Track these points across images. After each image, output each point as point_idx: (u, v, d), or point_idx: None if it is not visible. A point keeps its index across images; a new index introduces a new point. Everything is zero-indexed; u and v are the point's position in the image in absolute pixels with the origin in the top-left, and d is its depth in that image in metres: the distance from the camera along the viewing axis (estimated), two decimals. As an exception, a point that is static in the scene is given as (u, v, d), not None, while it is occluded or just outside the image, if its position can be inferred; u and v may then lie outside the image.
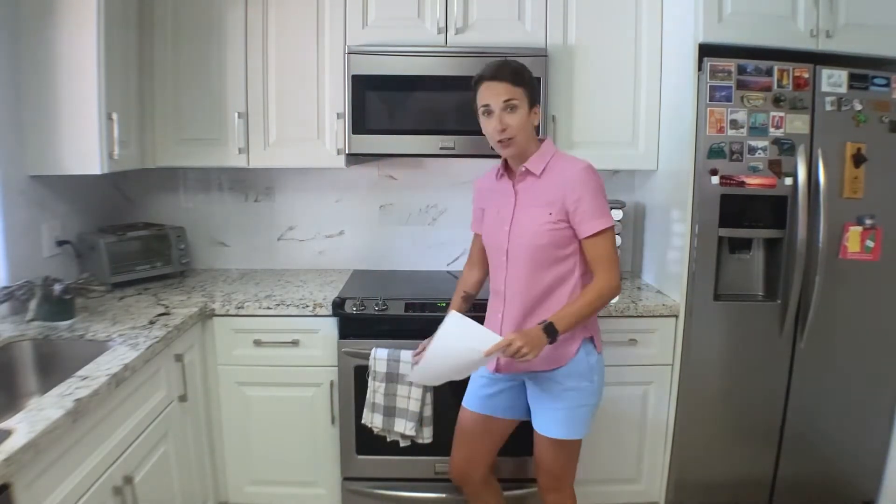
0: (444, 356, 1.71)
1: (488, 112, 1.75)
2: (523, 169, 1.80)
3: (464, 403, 1.99)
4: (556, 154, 1.82)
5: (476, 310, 2.25)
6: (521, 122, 1.74)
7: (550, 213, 1.75)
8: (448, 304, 2.29)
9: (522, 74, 1.76)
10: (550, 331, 1.67)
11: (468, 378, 1.97)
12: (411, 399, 2.18)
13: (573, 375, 1.80)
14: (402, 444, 2.24)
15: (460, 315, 1.72)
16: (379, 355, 2.19)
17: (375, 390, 2.20)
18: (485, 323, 1.88)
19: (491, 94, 1.73)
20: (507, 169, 1.88)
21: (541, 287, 1.78)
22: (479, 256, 2.02)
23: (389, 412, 2.20)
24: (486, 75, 1.75)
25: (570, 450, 1.87)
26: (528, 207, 1.80)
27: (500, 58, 1.81)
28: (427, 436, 2.21)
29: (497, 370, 1.87)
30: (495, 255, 1.87)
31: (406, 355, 2.16)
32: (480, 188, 2.00)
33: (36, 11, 2.07)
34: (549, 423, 1.83)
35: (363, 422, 2.24)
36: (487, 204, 1.93)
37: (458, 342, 1.68)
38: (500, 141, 1.75)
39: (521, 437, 1.97)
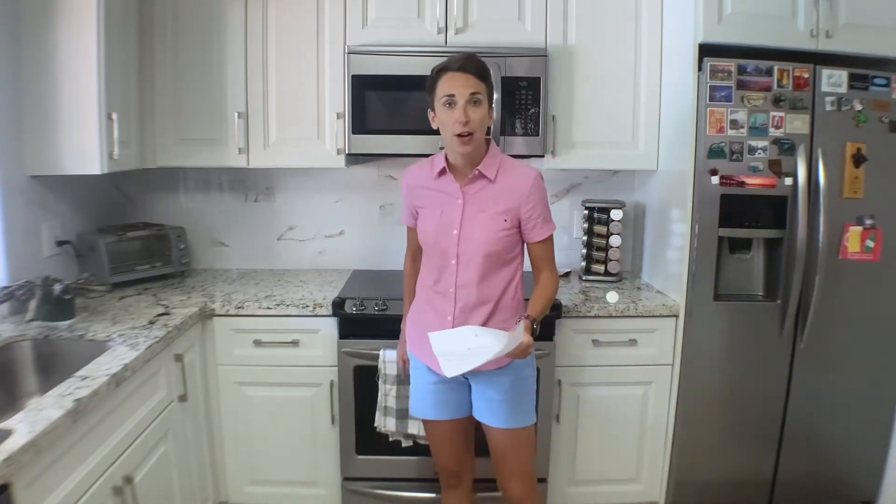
0: (467, 340, 1.69)
1: (451, 103, 1.69)
2: (476, 172, 1.77)
3: (419, 415, 1.96)
4: (503, 158, 1.81)
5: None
6: (482, 118, 1.71)
7: (506, 220, 1.76)
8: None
9: (487, 70, 1.74)
10: (536, 323, 1.72)
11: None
12: None
13: (517, 366, 1.80)
14: (405, 443, 2.24)
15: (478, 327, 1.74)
16: (388, 358, 2.19)
17: (387, 393, 2.19)
18: (434, 325, 1.83)
19: (457, 85, 1.69)
20: (450, 168, 1.81)
21: (492, 289, 1.79)
22: (419, 249, 1.94)
23: (402, 414, 2.19)
24: (451, 66, 1.71)
25: (526, 438, 1.86)
26: (479, 212, 1.77)
27: (465, 53, 1.75)
28: None
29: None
30: (440, 257, 1.81)
31: None
32: (413, 186, 1.90)
33: (36, 11, 2.07)
34: (500, 414, 1.82)
35: (376, 426, 2.23)
36: (425, 203, 1.85)
37: (482, 338, 1.69)
38: (460, 135, 1.69)
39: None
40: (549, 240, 1.82)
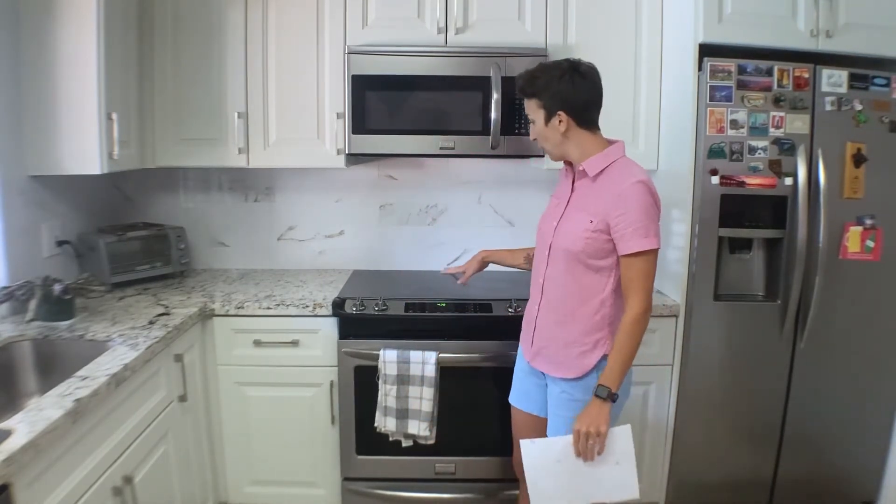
0: (554, 484, 1.71)
1: None
2: (581, 168, 1.77)
3: (510, 401, 2.01)
4: (619, 160, 1.74)
5: (484, 309, 2.26)
6: (539, 133, 1.78)
7: (591, 222, 1.69)
8: (447, 304, 2.30)
9: (530, 85, 1.74)
10: (604, 393, 1.66)
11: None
12: (423, 400, 2.18)
13: (580, 387, 1.77)
14: (405, 443, 2.25)
15: (528, 441, 1.73)
16: (388, 357, 2.19)
17: (387, 393, 2.19)
18: (528, 311, 1.91)
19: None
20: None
21: (572, 291, 1.76)
22: None
23: (402, 414, 2.20)
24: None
25: None
26: (576, 209, 1.77)
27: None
28: (434, 436, 2.22)
29: (528, 358, 1.89)
30: (541, 246, 1.86)
31: (416, 356, 2.17)
32: (559, 180, 1.96)
33: (36, 11, 2.07)
34: (552, 427, 1.83)
35: (376, 426, 2.23)
36: (554, 195, 1.93)
37: (549, 466, 1.70)
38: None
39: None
40: (641, 258, 1.64)
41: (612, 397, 1.65)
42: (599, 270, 1.72)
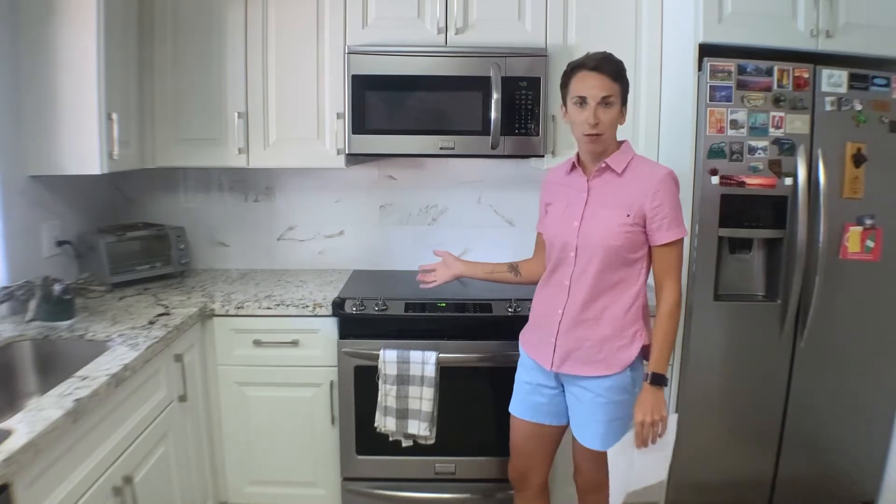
0: (624, 476, 1.75)
1: (582, 103, 1.71)
2: (603, 165, 1.76)
3: (512, 411, 1.96)
4: (636, 156, 1.79)
5: (484, 309, 2.26)
6: (613, 119, 1.72)
7: (628, 216, 1.71)
8: (447, 304, 2.30)
9: (623, 71, 1.74)
10: (659, 380, 1.70)
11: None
12: (423, 400, 2.18)
13: (615, 388, 1.76)
14: (405, 443, 2.25)
15: (613, 451, 1.74)
16: (388, 357, 2.19)
17: (387, 394, 2.19)
18: (544, 317, 1.86)
19: (589, 87, 1.70)
20: (580, 164, 1.84)
21: (607, 287, 1.76)
22: (542, 252, 1.96)
23: (402, 414, 2.20)
24: (587, 65, 1.71)
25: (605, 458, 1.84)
26: (601, 206, 1.76)
27: (601, 52, 1.75)
28: (434, 436, 2.22)
29: (552, 367, 1.83)
30: (560, 250, 1.81)
31: (416, 356, 2.16)
32: (549, 182, 1.95)
33: (36, 11, 2.07)
34: (588, 434, 1.81)
35: (376, 426, 2.23)
36: (555, 199, 1.89)
37: (624, 461, 1.74)
38: (588, 135, 1.72)
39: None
40: (676, 246, 1.74)
41: (664, 382, 1.71)
42: (634, 263, 1.76)
